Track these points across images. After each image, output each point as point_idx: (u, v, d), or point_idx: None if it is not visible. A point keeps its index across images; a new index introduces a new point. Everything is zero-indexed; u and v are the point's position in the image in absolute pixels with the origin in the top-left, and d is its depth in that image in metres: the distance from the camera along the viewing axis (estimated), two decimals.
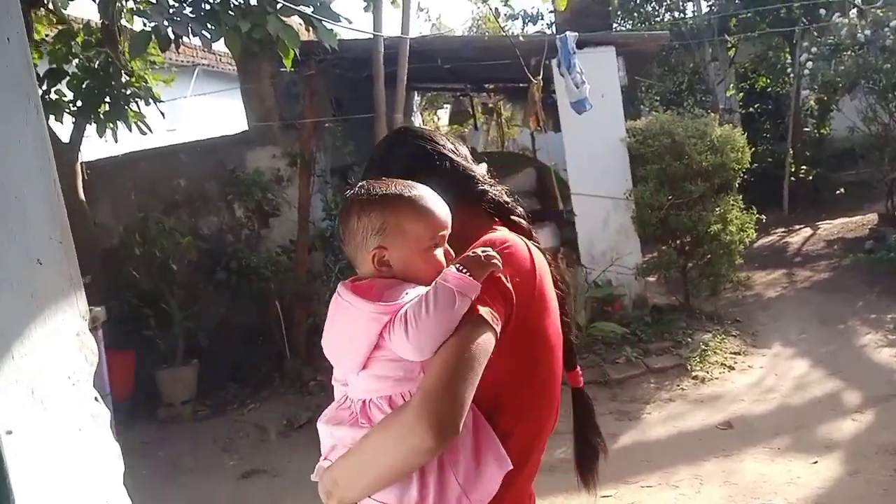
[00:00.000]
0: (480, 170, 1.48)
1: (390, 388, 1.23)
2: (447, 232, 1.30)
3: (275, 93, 6.93)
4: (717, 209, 6.34)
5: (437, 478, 1.19)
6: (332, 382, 1.37)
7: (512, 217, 1.46)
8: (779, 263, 8.51)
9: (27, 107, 1.56)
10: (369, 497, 1.24)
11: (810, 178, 11.37)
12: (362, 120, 6.73)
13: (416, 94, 12.25)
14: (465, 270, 1.20)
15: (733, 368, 5.42)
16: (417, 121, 13.03)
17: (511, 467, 1.23)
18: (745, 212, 6.58)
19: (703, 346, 5.67)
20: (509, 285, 1.25)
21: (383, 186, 1.31)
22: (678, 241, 6.59)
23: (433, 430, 1.11)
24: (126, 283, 6.44)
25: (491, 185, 1.46)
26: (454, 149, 1.48)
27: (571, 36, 5.97)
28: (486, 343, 1.18)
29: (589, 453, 1.52)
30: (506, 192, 1.49)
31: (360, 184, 1.34)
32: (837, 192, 11.26)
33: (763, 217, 6.79)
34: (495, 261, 1.23)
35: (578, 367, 1.50)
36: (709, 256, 6.43)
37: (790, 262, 8.62)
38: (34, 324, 1.40)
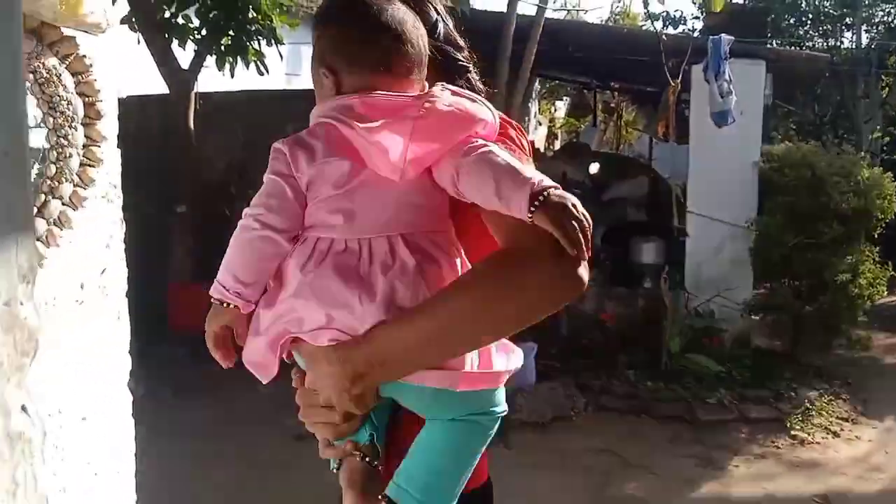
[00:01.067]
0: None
1: (432, 224, 1.03)
2: None
3: None
4: (848, 257, 5.73)
5: None
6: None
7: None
8: None
9: None
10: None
11: None
12: None
13: (537, 80, 11.86)
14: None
15: (838, 435, 4.86)
16: (534, 108, 12.63)
17: None
18: (879, 266, 5.93)
19: (807, 404, 5.12)
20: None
21: None
22: (797, 284, 6.01)
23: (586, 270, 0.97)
24: (218, 220, 6.40)
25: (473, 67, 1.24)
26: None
27: (726, 39, 5.44)
28: None
29: None
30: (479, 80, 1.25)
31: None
32: None
33: None
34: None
35: None
36: (828, 306, 5.83)
37: None
38: None
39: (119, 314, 1.60)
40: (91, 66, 1.56)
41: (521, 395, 4.80)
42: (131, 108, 7.04)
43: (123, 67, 1.94)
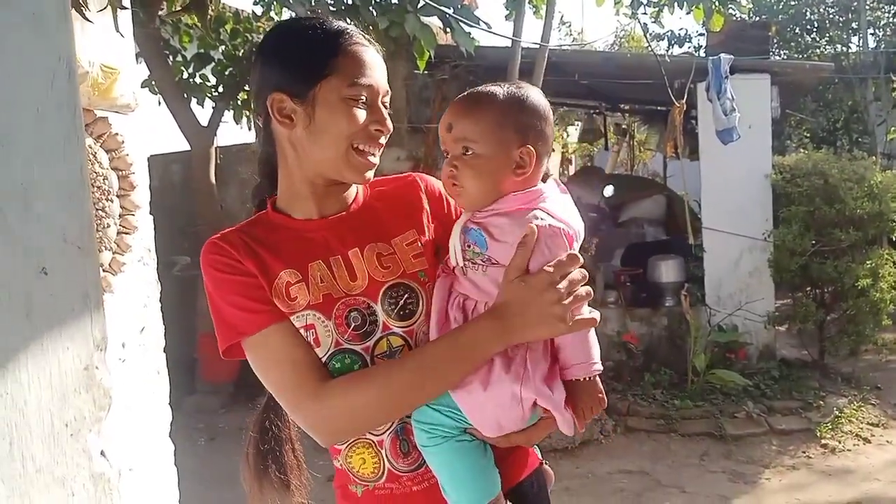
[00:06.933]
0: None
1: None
2: None
3: (406, 95, 6.89)
4: (867, 262, 5.74)
5: None
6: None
7: None
8: None
9: (55, 61, 1.15)
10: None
11: None
12: None
13: None
14: None
15: (869, 441, 4.84)
16: None
17: None
18: None
19: (836, 412, 5.11)
20: None
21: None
22: (818, 292, 6.02)
23: None
24: None
25: None
26: None
27: (726, 58, 5.54)
28: None
29: None
30: None
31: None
32: None
33: None
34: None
35: None
36: (852, 312, 5.83)
37: None
38: (24, 354, 1.01)
39: (158, 369, 1.73)
40: (123, 142, 1.71)
41: None
42: (156, 167, 7.30)
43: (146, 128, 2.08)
